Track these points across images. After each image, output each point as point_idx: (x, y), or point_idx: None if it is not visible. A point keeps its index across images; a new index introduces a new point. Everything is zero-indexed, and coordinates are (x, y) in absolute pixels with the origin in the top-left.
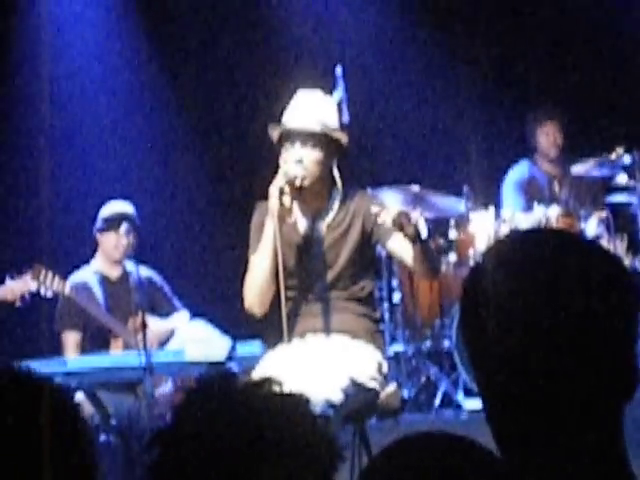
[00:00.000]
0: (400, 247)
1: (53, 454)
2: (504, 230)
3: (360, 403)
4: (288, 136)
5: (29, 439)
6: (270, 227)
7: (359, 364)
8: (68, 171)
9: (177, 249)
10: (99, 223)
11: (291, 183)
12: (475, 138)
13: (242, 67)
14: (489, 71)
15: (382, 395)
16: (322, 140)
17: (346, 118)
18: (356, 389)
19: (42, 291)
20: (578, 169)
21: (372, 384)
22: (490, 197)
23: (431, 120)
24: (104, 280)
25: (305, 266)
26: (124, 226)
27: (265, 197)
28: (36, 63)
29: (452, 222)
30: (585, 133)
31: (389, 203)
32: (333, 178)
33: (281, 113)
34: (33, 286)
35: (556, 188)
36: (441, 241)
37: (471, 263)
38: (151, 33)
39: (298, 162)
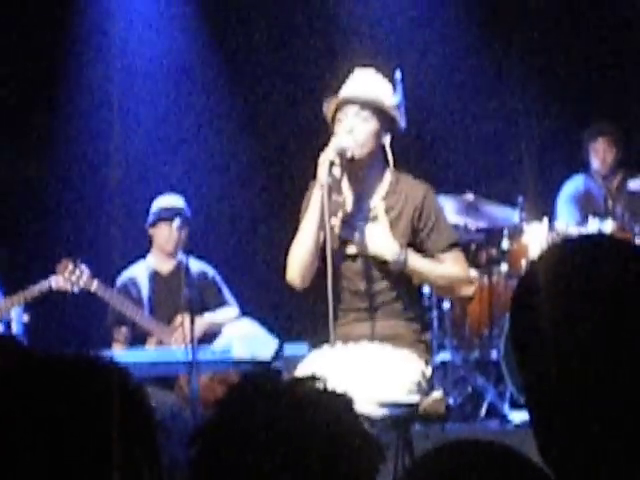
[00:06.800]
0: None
1: (127, 437)
2: None
3: (399, 417)
4: (342, 108)
5: (103, 421)
6: (318, 198)
7: (400, 378)
8: (125, 168)
9: (227, 247)
10: (151, 217)
11: (341, 154)
12: (532, 149)
13: (296, 57)
14: (549, 84)
15: (426, 401)
16: (375, 113)
17: (403, 123)
18: (395, 405)
19: (69, 287)
20: (635, 184)
21: (413, 398)
22: (544, 209)
23: (488, 129)
24: (154, 275)
25: (349, 252)
26: (177, 220)
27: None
28: (99, 49)
29: (505, 232)
30: None
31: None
32: (384, 158)
33: (338, 90)
34: (60, 282)
35: (611, 203)
36: (493, 251)
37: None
38: (208, 18)
39: (349, 132)
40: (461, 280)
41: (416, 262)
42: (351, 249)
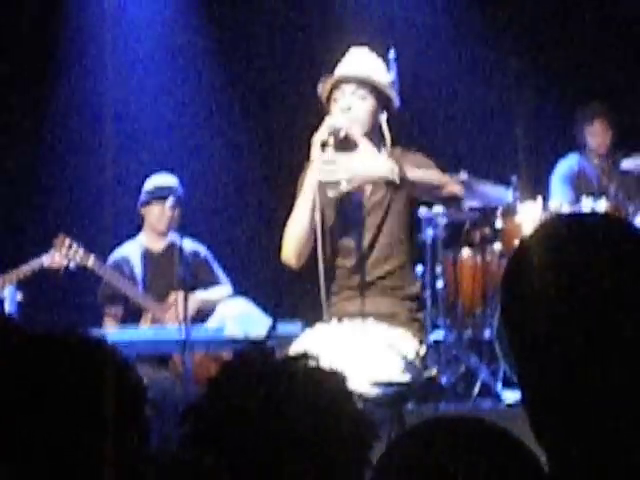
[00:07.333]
0: None
1: (115, 410)
2: None
3: (393, 396)
4: (338, 87)
5: (93, 397)
6: (311, 178)
7: (394, 356)
8: (117, 147)
9: (220, 226)
10: (143, 196)
11: (334, 134)
12: (525, 129)
13: (289, 37)
14: (543, 63)
15: (420, 381)
16: (372, 92)
17: (398, 102)
18: (388, 384)
19: (64, 263)
20: (628, 164)
21: (406, 377)
22: (538, 188)
23: (482, 108)
24: (146, 254)
25: (344, 228)
26: (170, 199)
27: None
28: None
29: (499, 211)
30: (636, 128)
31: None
32: (381, 136)
33: (332, 70)
34: (56, 258)
35: (605, 182)
36: (487, 230)
37: None
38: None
39: (345, 111)
40: (450, 181)
41: (410, 170)
42: (343, 186)
